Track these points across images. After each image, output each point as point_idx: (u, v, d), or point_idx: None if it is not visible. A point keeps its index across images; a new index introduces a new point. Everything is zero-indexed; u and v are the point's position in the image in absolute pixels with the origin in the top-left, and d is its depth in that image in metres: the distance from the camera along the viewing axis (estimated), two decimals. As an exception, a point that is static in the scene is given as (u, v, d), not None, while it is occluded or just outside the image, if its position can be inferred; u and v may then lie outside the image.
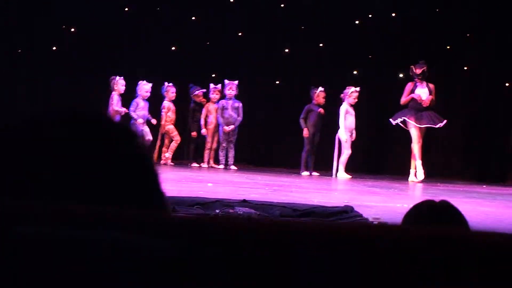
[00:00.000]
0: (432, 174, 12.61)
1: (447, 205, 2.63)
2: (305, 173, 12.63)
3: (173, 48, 14.36)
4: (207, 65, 13.94)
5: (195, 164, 13.09)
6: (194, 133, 13.20)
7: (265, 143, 13.99)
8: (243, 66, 13.83)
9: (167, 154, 13.03)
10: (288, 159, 13.51)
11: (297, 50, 14.05)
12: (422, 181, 11.90)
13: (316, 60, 13.83)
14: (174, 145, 13.15)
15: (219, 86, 13.17)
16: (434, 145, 13.24)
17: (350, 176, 12.24)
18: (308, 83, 12.97)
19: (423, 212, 2.58)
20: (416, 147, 12.02)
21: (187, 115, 13.25)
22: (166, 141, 13.21)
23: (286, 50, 14.27)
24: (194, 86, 13.25)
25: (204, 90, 13.22)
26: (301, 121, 12.80)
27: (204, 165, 13.13)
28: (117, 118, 12.64)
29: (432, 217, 2.39)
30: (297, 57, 13.96)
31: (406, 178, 12.13)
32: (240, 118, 13.03)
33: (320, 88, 12.73)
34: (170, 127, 13.15)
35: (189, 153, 13.28)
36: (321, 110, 12.67)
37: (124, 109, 12.71)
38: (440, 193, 9.08)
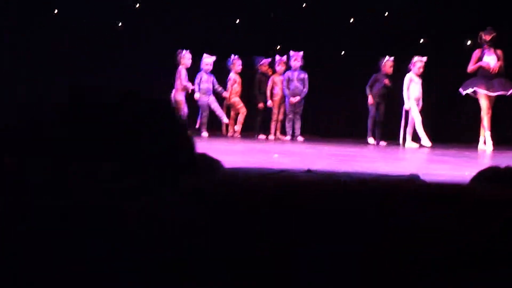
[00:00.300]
0: (504, 142, 12.39)
1: None
2: (371, 139, 12.58)
3: (237, 20, 14.37)
4: (271, 37, 13.93)
5: (262, 136, 13.15)
6: (261, 105, 13.25)
7: (332, 113, 13.93)
8: (308, 38, 13.77)
9: (237, 127, 13.13)
10: (355, 128, 13.44)
11: (362, 20, 13.90)
12: (493, 150, 11.70)
13: (383, 29, 13.66)
14: (241, 117, 13.24)
15: (285, 57, 13.17)
16: (506, 112, 12.96)
17: (418, 145, 12.12)
18: (377, 53, 12.83)
19: (488, 178, 2.55)
20: (485, 118, 11.82)
21: (253, 87, 13.30)
22: (232, 113, 13.29)
23: (351, 20, 14.13)
24: (258, 57, 13.30)
25: (270, 59, 13.24)
26: (367, 89, 12.79)
27: (271, 136, 13.20)
28: (184, 93, 12.77)
29: (497, 182, 2.37)
30: (363, 28, 13.82)
31: (476, 146, 11.95)
32: (305, 90, 13.03)
33: (387, 58, 12.62)
34: (236, 100, 13.24)
35: (256, 125, 13.34)
36: (386, 80, 12.56)
37: (190, 84, 12.82)
38: (511, 161, 8.91)
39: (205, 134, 12.84)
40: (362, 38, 13.72)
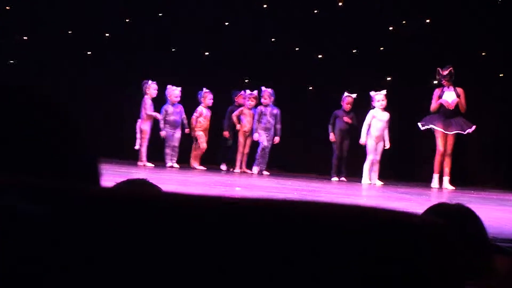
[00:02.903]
0: (464, 181, 12.43)
1: (462, 208, 2.54)
2: (335, 178, 12.56)
3: (206, 53, 14.37)
4: (240, 71, 13.94)
5: (223, 167, 13.10)
6: (225, 133, 13.20)
7: (298, 149, 13.92)
8: (275, 72, 13.79)
9: (193, 162, 13.06)
10: (321, 165, 13.42)
11: (330, 56, 13.95)
12: (455, 188, 11.73)
13: (349, 66, 13.73)
14: (198, 152, 13.14)
15: (255, 92, 13.15)
16: (465, 151, 13.02)
17: (381, 183, 12.11)
18: (342, 89, 12.88)
19: (437, 213, 2.49)
20: (437, 158, 11.96)
21: (223, 117, 13.26)
22: (194, 146, 13.20)
23: (320, 56, 14.18)
24: (236, 90, 13.37)
25: (245, 92, 13.26)
26: (329, 127, 12.80)
27: (237, 169, 13.11)
28: (150, 123, 12.71)
29: (445, 218, 2.30)
30: (331, 63, 13.88)
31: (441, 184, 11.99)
32: (279, 126, 13.07)
33: (346, 94, 12.69)
34: (200, 134, 13.13)
35: (220, 155, 13.28)
36: (345, 118, 12.63)
37: (156, 113, 12.75)
38: (472, 200, 8.92)
39: (169, 164, 12.77)
40: (331, 74, 13.76)
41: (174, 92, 12.89)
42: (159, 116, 12.75)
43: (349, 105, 12.71)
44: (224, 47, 14.14)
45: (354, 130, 12.72)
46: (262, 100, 13.06)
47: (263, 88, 13.08)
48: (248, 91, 13.24)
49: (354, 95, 12.72)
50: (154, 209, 0.66)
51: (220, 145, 13.30)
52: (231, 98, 13.38)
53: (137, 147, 12.67)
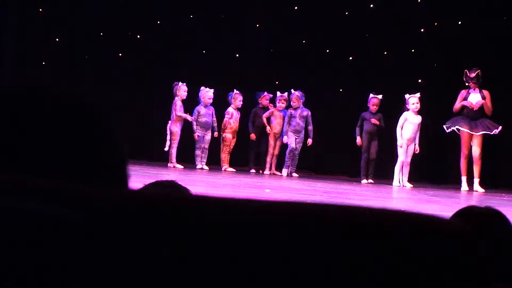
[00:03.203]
0: (495, 184, 12.32)
1: (492, 211, 2.51)
2: (364, 181, 12.49)
3: (237, 55, 14.40)
4: (271, 73, 13.95)
5: (253, 170, 13.08)
6: (252, 135, 13.19)
7: (328, 151, 13.89)
8: (308, 73, 13.77)
9: (225, 166, 13.06)
10: (351, 167, 13.37)
11: (361, 57, 13.91)
12: (486, 191, 11.62)
13: (380, 67, 13.67)
14: (227, 155, 13.13)
15: (285, 94, 13.14)
16: (496, 152, 12.88)
17: (411, 185, 12.03)
18: (371, 91, 12.82)
19: (466, 218, 2.47)
20: (462, 160, 11.86)
21: (249, 119, 13.27)
22: (221, 146, 13.20)
23: (350, 58, 14.15)
24: (261, 92, 13.35)
25: (271, 95, 13.26)
26: (356, 130, 12.73)
27: (266, 171, 13.11)
28: (180, 124, 12.74)
29: (474, 221, 2.28)
30: (361, 65, 13.83)
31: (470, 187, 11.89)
32: (311, 127, 13.05)
33: (371, 95, 12.63)
34: (228, 136, 13.12)
35: (250, 158, 13.27)
36: (373, 119, 12.54)
37: (187, 115, 12.78)
38: (503, 203, 8.83)
39: (199, 166, 12.79)
40: (361, 75, 13.71)
41: (207, 93, 12.92)
42: (189, 117, 12.79)
43: (375, 106, 12.62)
44: (253, 49, 14.16)
45: (383, 132, 12.65)
46: (292, 103, 13.06)
47: (292, 91, 13.07)
48: (278, 93, 13.23)
49: (380, 96, 12.65)
50: (183, 212, 0.66)
51: (249, 147, 13.30)
52: (255, 100, 13.37)
53: (166, 148, 12.72)
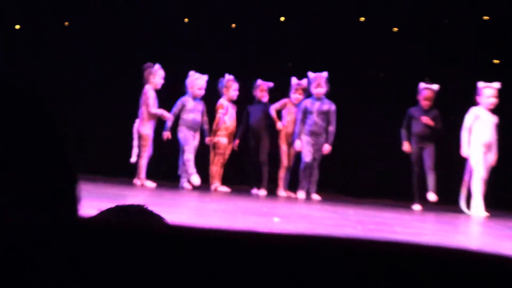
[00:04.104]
0: None
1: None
2: (417, 206, 12.48)
3: (233, 25, 14.45)
4: (280, 52, 13.98)
5: (256, 191, 13.03)
6: (234, 144, 13.17)
7: (363, 163, 13.88)
8: (330, 55, 13.79)
9: (216, 184, 12.97)
10: (396, 185, 13.37)
11: (406, 29, 13.95)
12: None
13: (430, 41, 13.73)
14: (219, 168, 13.04)
15: (304, 81, 13.06)
16: None
17: (487, 214, 12.02)
18: (423, 77, 12.82)
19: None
20: None
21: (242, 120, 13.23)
22: (211, 156, 13.11)
23: (395, 29, 14.19)
24: (263, 81, 13.21)
25: (271, 84, 13.13)
26: (402, 132, 12.69)
27: (282, 192, 13.05)
28: (152, 124, 12.68)
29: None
30: (405, 39, 13.87)
31: None
32: (332, 128, 12.88)
33: (423, 85, 12.58)
34: (222, 141, 13.04)
35: (249, 175, 13.24)
36: (424, 118, 12.48)
37: (163, 111, 12.71)
38: None
39: (186, 185, 12.70)
40: (407, 54, 13.73)
41: (197, 82, 12.85)
42: (167, 115, 12.67)
43: (427, 101, 12.57)
44: (257, 17, 14.20)
45: (440, 136, 12.64)
46: (316, 89, 12.90)
47: (311, 74, 12.94)
48: (294, 80, 13.16)
49: (435, 87, 12.61)
50: (152, 249, 0.66)
51: (247, 157, 13.26)
52: (250, 92, 13.25)
53: (133, 159, 12.67)
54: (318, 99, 12.92)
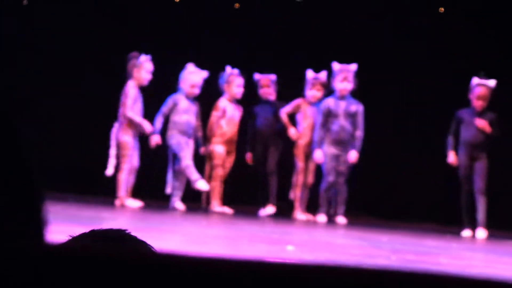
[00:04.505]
0: None
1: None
2: (467, 232, 12.48)
3: (235, 5, 14.50)
4: (295, 41, 14.03)
5: (265, 211, 13.04)
6: (248, 156, 13.17)
7: (398, 178, 13.90)
8: (355, 43, 13.82)
9: (214, 202, 12.95)
10: (438, 206, 13.39)
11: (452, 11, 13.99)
12: None
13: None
14: (217, 184, 13.01)
15: (323, 75, 13.05)
16: None
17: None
18: (476, 70, 12.83)
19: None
20: None
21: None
22: (207, 169, 13.11)
23: (441, 10, 14.24)
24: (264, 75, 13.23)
25: (273, 76, 13.12)
26: (449, 140, 12.62)
27: (301, 215, 13.02)
28: (133, 131, 12.65)
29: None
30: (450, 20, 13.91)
31: None
32: (360, 133, 12.85)
33: (476, 81, 12.55)
34: (219, 149, 13.01)
35: (259, 192, 13.24)
36: (478, 121, 12.46)
37: (141, 120, 12.60)
38: None
39: (179, 205, 12.70)
40: (453, 40, 13.77)
41: (192, 77, 12.88)
42: (146, 126, 12.51)
43: (481, 101, 12.55)
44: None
45: (497, 144, 12.64)
46: (340, 84, 12.89)
47: (335, 65, 12.91)
48: (310, 73, 13.15)
49: (491, 83, 12.60)
50: (134, 282, 0.66)
51: (257, 174, 13.26)
52: (256, 89, 13.25)
53: (110, 172, 12.65)
54: (343, 97, 12.88)
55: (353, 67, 12.84)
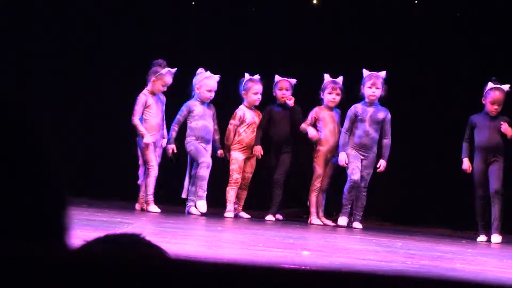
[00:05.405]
0: None
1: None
2: (482, 237, 12.46)
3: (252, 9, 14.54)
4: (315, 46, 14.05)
5: (279, 216, 13.04)
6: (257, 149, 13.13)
7: (415, 185, 13.90)
8: (371, 49, 13.84)
9: (232, 206, 12.92)
10: (454, 213, 13.38)
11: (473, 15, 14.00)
12: None
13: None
14: (231, 187, 12.98)
15: (339, 80, 13.05)
16: None
17: None
18: (491, 75, 12.82)
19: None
20: None
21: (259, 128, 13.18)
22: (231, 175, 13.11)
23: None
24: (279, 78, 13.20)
25: (294, 80, 13.10)
26: (464, 146, 12.59)
27: (315, 220, 13.01)
28: (154, 134, 12.63)
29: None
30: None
31: None
32: (387, 141, 12.92)
33: (490, 85, 12.53)
34: (237, 156, 13.00)
35: (273, 197, 13.21)
36: (504, 126, 12.41)
37: (142, 129, 12.63)
38: None
39: (194, 210, 12.69)
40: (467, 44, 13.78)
41: (207, 82, 12.80)
42: (145, 139, 12.50)
43: (496, 105, 12.53)
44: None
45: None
46: (367, 90, 12.85)
47: (365, 71, 12.88)
48: (327, 77, 13.14)
49: (505, 87, 12.58)
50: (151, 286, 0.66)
51: (272, 181, 13.22)
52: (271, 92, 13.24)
53: (140, 180, 12.61)
54: (371, 104, 12.94)
55: (382, 73, 12.86)
